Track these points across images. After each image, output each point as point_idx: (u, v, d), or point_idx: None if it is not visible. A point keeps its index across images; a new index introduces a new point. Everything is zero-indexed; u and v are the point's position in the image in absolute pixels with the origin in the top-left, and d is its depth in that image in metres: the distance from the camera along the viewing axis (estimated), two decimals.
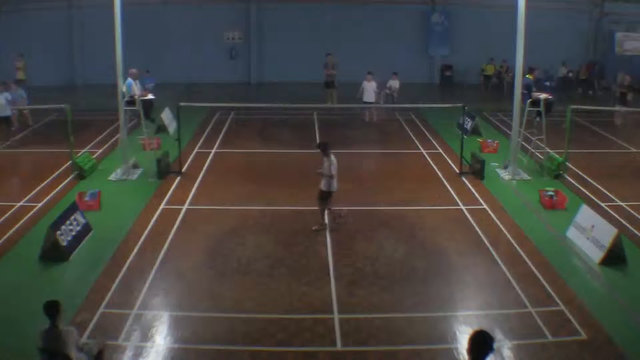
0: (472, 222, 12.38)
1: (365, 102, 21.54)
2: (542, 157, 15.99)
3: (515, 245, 11.23)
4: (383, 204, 13.40)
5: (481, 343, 5.14)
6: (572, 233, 11.54)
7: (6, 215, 12.30)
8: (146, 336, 8.18)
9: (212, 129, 20.72)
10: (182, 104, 16.00)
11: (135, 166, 15.55)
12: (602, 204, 13.27)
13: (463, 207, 13.22)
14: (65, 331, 6.53)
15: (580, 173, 15.58)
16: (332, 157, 11.51)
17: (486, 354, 5.13)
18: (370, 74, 21.44)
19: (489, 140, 18.34)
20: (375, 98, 21.58)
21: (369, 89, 21.32)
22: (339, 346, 8.05)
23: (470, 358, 5.17)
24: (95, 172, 15.44)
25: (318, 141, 11.96)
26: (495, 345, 5.17)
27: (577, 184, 14.81)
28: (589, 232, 11.00)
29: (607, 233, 10.58)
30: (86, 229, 11.38)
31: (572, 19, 30.20)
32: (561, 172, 15.38)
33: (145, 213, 12.67)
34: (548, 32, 27.36)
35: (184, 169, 15.59)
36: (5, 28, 27.83)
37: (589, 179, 15.12)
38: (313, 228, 11.73)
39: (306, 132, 20.44)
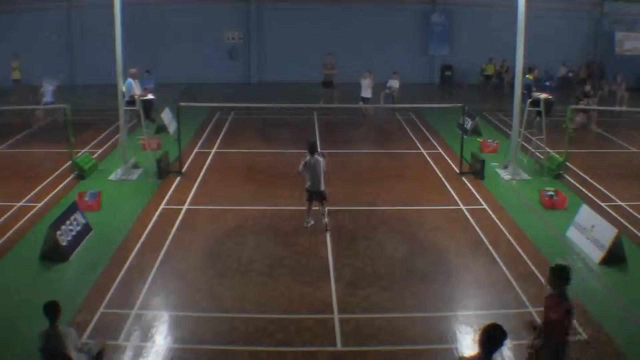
0: (472, 222, 12.38)
1: (363, 98, 22.45)
2: (542, 157, 15.99)
3: (515, 245, 11.24)
4: (383, 204, 13.40)
5: (493, 337, 5.26)
6: (572, 233, 11.54)
7: (6, 215, 12.31)
8: (146, 336, 8.19)
9: (212, 129, 20.73)
10: (182, 104, 16.01)
11: (135, 166, 15.54)
12: (602, 204, 13.27)
13: (463, 207, 13.22)
14: (65, 332, 6.54)
15: (580, 173, 15.59)
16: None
17: (495, 348, 5.23)
18: (368, 71, 22.39)
19: (489, 140, 18.33)
20: (371, 93, 22.53)
21: (365, 86, 22.34)
22: (339, 346, 8.05)
23: (481, 350, 5.26)
24: (95, 172, 15.43)
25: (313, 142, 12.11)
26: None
27: (577, 184, 14.81)
28: (589, 232, 11.01)
29: (607, 233, 10.58)
30: (86, 229, 11.37)
31: (572, 19, 30.21)
32: (561, 172, 15.38)
33: (145, 213, 12.67)
34: (548, 32, 27.39)
35: (184, 169, 15.58)
36: (5, 28, 27.83)
37: (589, 179, 15.12)
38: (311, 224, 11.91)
39: (306, 132, 20.43)
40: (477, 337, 5.40)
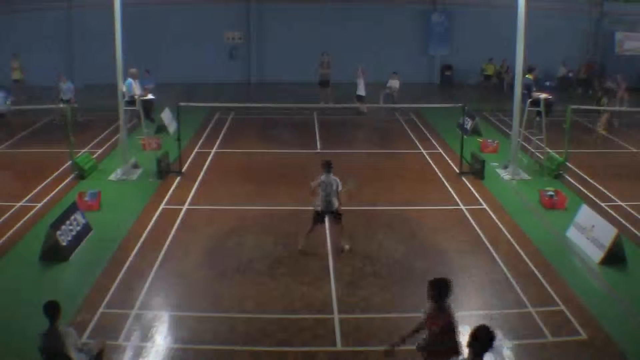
0: (472, 222, 12.38)
1: (360, 96, 22.85)
2: (542, 157, 15.99)
3: (515, 245, 11.24)
4: (383, 204, 13.40)
5: (483, 339, 5.22)
6: (572, 233, 11.54)
7: (6, 215, 12.31)
8: (146, 336, 8.19)
9: (212, 129, 20.72)
10: (182, 104, 16.01)
11: (135, 166, 15.55)
12: (602, 204, 13.27)
13: (463, 207, 13.22)
14: (65, 332, 6.54)
15: (580, 173, 15.58)
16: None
17: (485, 350, 5.20)
18: (361, 70, 22.89)
19: (489, 140, 18.34)
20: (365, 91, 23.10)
21: (360, 83, 22.88)
22: (339, 346, 8.06)
23: (471, 352, 5.23)
24: (95, 172, 15.43)
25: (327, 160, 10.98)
26: (495, 344, 5.35)
27: (577, 184, 14.81)
28: (589, 232, 11.00)
29: (607, 233, 10.58)
30: (86, 229, 11.38)
31: (572, 19, 30.20)
32: (561, 172, 15.38)
33: (145, 213, 12.67)
34: (548, 32, 27.39)
35: (184, 169, 15.58)
36: (5, 28, 27.84)
37: (589, 179, 15.12)
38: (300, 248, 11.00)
39: (306, 132, 20.46)
40: (467, 340, 5.33)
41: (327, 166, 10.79)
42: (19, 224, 11.90)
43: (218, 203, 13.47)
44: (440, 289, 6.19)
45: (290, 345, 8.02)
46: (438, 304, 6.19)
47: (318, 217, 10.89)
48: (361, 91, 22.84)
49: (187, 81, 27.93)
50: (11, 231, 11.55)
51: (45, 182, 14.46)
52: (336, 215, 10.87)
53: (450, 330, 6.10)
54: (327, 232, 11.65)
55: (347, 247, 10.92)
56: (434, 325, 6.14)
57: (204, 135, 19.77)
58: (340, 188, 10.73)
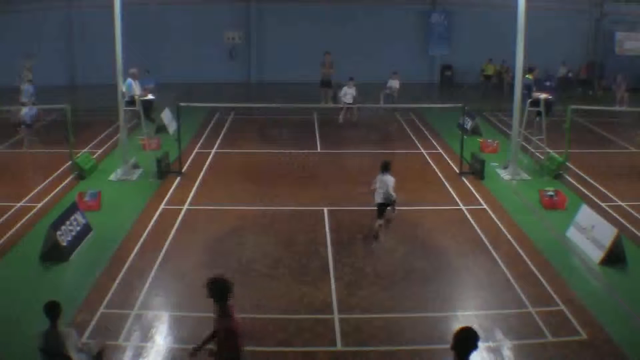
0: (472, 222, 12.38)
1: (346, 104, 21.75)
2: (542, 157, 15.99)
3: (515, 245, 11.23)
4: None
5: (466, 340, 5.17)
6: (572, 233, 11.54)
7: (6, 215, 12.30)
8: (146, 336, 8.19)
9: (212, 129, 20.72)
10: (182, 104, 16.01)
11: (135, 166, 15.55)
12: (602, 204, 13.26)
13: (463, 207, 13.22)
14: (65, 332, 6.55)
15: (580, 173, 15.58)
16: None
17: (470, 351, 5.17)
18: (352, 80, 21.71)
19: (489, 140, 18.34)
20: (354, 101, 21.97)
21: (348, 93, 21.64)
22: (339, 346, 8.05)
23: (455, 354, 5.19)
24: (95, 172, 15.43)
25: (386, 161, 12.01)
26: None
27: (577, 184, 14.81)
28: (589, 232, 11.00)
29: (607, 233, 10.58)
30: (86, 229, 11.37)
31: (572, 19, 30.22)
32: (561, 172, 15.38)
33: (145, 213, 12.67)
34: (548, 32, 27.38)
35: (184, 169, 15.58)
36: (5, 28, 27.84)
37: (589, 179, 15.12)
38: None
39: (306, 132, 20.46)
40: (451, 343, 5.19)
41: (384, 167, 11.68)
42: (19, 224, 11.89)
43: (218, 203, 13.46)
44: (215, 290, 5.88)
45: (290, 345, 8.02)
46: (218, 305, 5.89)
47: (381, 208, 11.63)
48: (348, 99, 21.61)
49: (187, 81, 27.93)
50: (11, 231, 11.54)
51: (45, 182, 14.46)
52: (394, 203, 11.78)
53: (231, 336, 5.83)
54: (327, 232, 11.67)
55: (378, 226, 11.55)
56: (220, 329, 5.88)
57: (204, 135, 19.77)
58: (394, 184, 11.53)
